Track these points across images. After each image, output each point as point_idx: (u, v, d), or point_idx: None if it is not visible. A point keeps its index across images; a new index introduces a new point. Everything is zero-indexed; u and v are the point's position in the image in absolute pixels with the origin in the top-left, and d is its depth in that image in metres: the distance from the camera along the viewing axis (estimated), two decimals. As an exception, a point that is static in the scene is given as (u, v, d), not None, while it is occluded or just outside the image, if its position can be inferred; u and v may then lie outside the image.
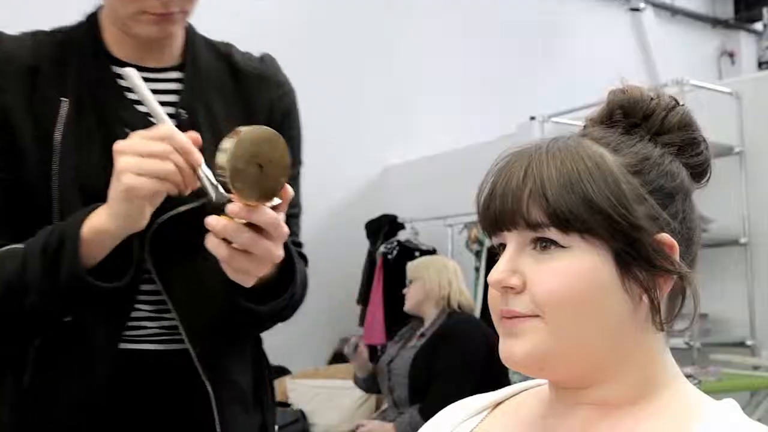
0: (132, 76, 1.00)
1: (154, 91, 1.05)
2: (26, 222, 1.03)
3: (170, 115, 1.07)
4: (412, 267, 3.69)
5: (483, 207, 0.77)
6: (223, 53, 1.21)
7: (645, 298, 0.73)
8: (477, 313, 4.50)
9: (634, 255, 0.72)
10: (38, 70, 1.09)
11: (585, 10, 7.20)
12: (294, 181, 1.12)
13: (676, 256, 0.73)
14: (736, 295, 3.95)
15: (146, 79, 1.05)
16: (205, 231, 0.91)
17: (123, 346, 1.08)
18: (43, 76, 1.09)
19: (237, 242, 0.90)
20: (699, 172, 0.80)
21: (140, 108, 1.09)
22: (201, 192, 0.94)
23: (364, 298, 5.19)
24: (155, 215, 1.00)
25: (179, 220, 1.04)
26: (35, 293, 0.97)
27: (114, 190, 0.94)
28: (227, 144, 0.86)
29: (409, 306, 3.58)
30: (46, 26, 1.17)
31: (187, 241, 0.99)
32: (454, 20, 6.28)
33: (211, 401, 1.10)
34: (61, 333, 1.05)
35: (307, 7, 5.43)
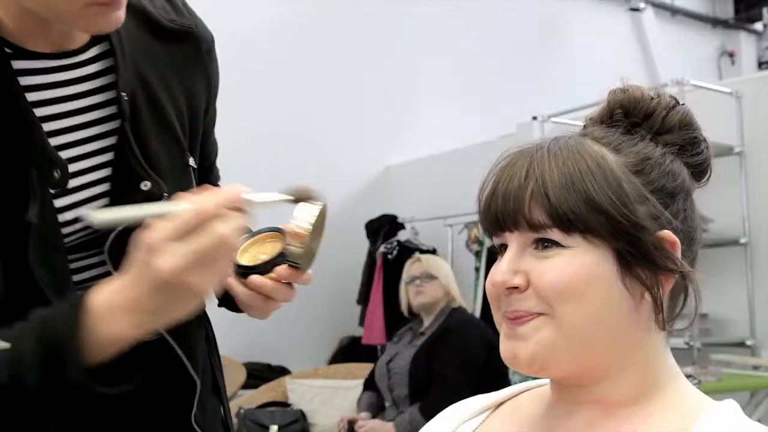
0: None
1: (81, 78, 0.97)
2: None
3: (110, 101, 1.01)
4: (430, 261, 3.65)
5: (484, 207, 0.77)
6: (138, 10, 1.08)
7: (647, 296, 0.73)
8: (477, 313, 4.51)
9: (636, 254, 0.72)
10: None
11: (585, 10, 7.20)
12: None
13: (678, 254, 0.73)
14: (736, 295, 3.95)
15: (66, 66, 0.97)
16: None
17: None
18: None
19: (278, 298, 0.97)
20: (700, 172, 0.80)
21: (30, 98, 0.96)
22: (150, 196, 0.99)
23: (364, 298, 5.19)
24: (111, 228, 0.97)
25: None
26: (28, 407, 0.82)
27: (173, 305, 0.79)
28: (303, 239, 0.92)
29: (423, 301, 3.51)
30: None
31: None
32: (455, 20, 6.28)
33: (196, 387, 1.08)
34: None
35: (307, 7, 5.43)
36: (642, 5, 7.35)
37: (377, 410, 3.60)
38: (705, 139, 0.81)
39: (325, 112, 5.24)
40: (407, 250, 4.94)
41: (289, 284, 0.97)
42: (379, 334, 4.89)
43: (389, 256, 5.05)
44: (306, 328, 4.98)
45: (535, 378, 0.78)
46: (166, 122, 1.08)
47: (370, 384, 3.68)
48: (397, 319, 4.18)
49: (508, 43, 6.55)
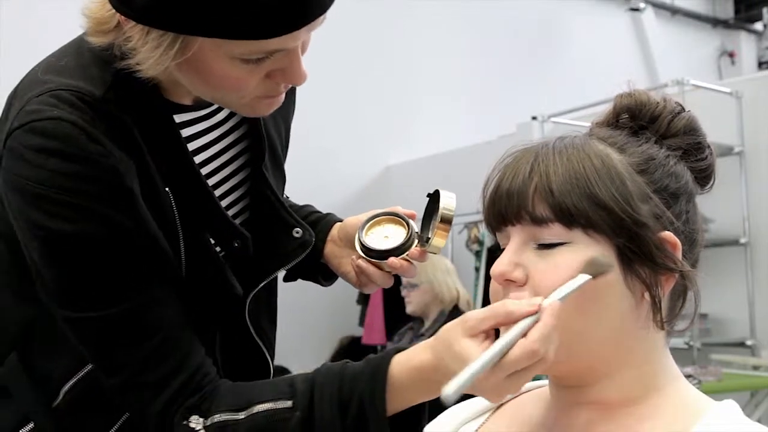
0: None
1: (219, 123, 1.03)
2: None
3: (236, 142, 1.06)
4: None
5: (488, 202, 0.78)
6: None
7: (646, 296, 0.73)
8: (477, 313, 4.50)
9: (637, 252, 0.72)
10: (134, 161, 0.91)
11: (585, 10, 7.19)
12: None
13: (679, 255, 0.73)
14: (736, 295, 3.95)
15: (207, 115, 1.01)
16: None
17: None
18: (142, 167, 0.92)
19: (409, 275, 1.05)
20: (704, 177, 0.81)
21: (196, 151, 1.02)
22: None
23: (364, 298, 5.19)
24: (268, 269, 1.07)
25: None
26: None
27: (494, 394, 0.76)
28: (443, 232, 1.01)
29: (413, 309, 3.55)
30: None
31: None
32: (455, 20, 6.28)
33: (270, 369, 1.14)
34: None
35: (307, 7, 5.42)
36: (642, 5, 7.35)
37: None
38: (709, 146, 0.81)
39: (325, 112, 5.23)
40: (407, 250, 4.93)
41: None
42: (379, 334, 4.89)
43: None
44: (306, 328, 4.97)
45: (536, 378, 0.78)
46: (276, 156, 1.12)
47: (370, 384, 3.68)
48: (397, 319, 4.18)
49: (508, 42, 6.54)
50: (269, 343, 1.14)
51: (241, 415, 0.87)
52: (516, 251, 0.75)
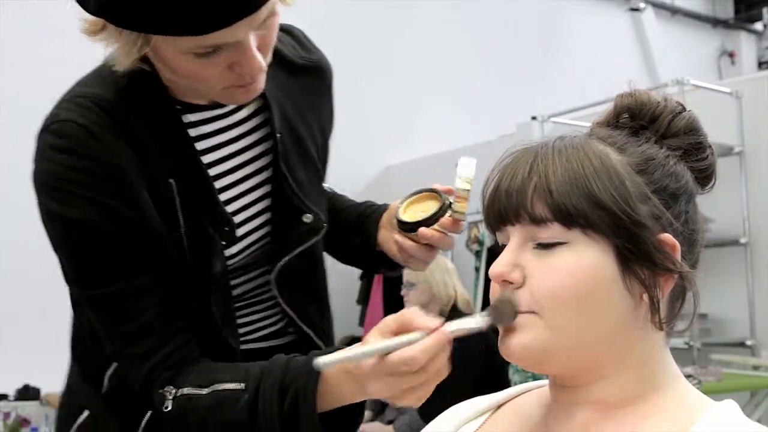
0: None
1: (237, 123, 1.10)
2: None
3: (260, 140, 1.13)
4: (412, 271, 3.67)
5: (488, 202, 0.78)
6: (273, 51, 1.13)
7: (645, 297, 0.73)
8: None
9: (636, 252, 0.72)
10: (139, 156, 1.02)
11: (585, 10, 7.20)
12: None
13: (678, 257, 0.73)
14: (736, 295, 3.95)
15: (223, 115, 1.09)
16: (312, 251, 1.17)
17: (245, 346, 1.16)
18: (147, 161, 1.02)
19: (443, 246, 1.11)
20: (704, 177, 0.80)
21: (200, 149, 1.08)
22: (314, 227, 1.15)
23: (364, 298, 5.19)
24: (281, 255, 1.14)
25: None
26: None
27: (391, 397, 0.88)
28: (466, 197, 1.06)
29: (412, 309, 3.55)
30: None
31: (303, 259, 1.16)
32: (455, 20, 6.29)
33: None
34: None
35: (307, 7, 5.43)
36: (642, 5, 7.35)
37: (377, 412, 3.60)
38: (710, 146, 0.81)
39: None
40: (407, 250, 4.93)
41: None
42: (379, 335, 4.89)
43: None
44: (306, 328, 4.98)
45: (535, 378, 0.78)
46: (306, 152, 1.19)
47: (370, 384, 3.68)
48: (397, 319, 4.18)
49: (508, 42, 6.55)
50: (309, 320, 1.20)
51: (204, 391, 0.99)
52: (514, 251, 0.75)
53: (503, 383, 3.06)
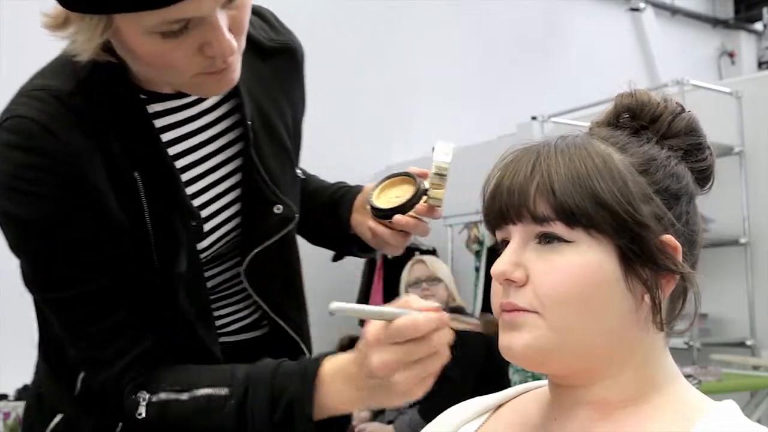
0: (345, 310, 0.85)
1: (204, 111, 1.05)
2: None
3: (230, 128, 1.09)
4: (434, 263, 3.66)
5: (488, 200, 0.77)
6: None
7: (647, 297, 0.73)
8: (477, 313, 4.50)
9: (638, 252, 0.72)
10: (100, 149, 0.97)
11: (585, 10, 7.20)
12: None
13: (680, 258, 0.73)
14: (736, 295, 3.95)
15: (191, 103, 1.04)
16: (285, 243, 1.13)
17: (220, 339, 1.12)
18: (108, 154, 0.98)
19: (419, 233, 1.10)
20: (703, 178, 0.81)
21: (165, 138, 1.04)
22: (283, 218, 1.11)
23: (364, 298, 5.19)
24: (252, 246, 1.10)
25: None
26: None
27: (381, 395, 0.90)
28: (442, 183, 1.05)
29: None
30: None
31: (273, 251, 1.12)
32: (455, 20, 6.28)
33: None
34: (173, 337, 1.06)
35: (307, 7, 5.43)
36: (642, 5, 7.35)
37: (376, 412, 3.59)
38: (709, 147, 0.81)
39: (325, 112, 5.23)
40: (407, 250, 4.92)
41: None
42: (379, 334, 4.89)
43: (389, 257, 5.05)
44: (306, 328, 4.98)
45: (535, 378, 0.78)
46: (278, 138, 1.15)
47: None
48: (397, 319, 4.18)
49: (508, 42, 6.55)
50: (282, 312, 1.17)
51: (184, 396, 0.96)
52: (516, 250, 0.74)
53: (503, 383, 3.06)
